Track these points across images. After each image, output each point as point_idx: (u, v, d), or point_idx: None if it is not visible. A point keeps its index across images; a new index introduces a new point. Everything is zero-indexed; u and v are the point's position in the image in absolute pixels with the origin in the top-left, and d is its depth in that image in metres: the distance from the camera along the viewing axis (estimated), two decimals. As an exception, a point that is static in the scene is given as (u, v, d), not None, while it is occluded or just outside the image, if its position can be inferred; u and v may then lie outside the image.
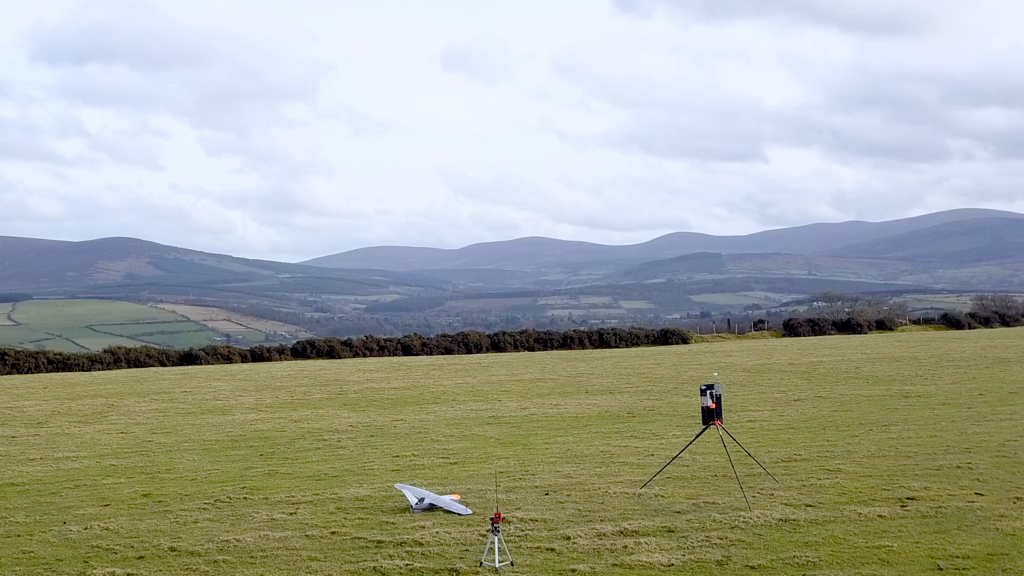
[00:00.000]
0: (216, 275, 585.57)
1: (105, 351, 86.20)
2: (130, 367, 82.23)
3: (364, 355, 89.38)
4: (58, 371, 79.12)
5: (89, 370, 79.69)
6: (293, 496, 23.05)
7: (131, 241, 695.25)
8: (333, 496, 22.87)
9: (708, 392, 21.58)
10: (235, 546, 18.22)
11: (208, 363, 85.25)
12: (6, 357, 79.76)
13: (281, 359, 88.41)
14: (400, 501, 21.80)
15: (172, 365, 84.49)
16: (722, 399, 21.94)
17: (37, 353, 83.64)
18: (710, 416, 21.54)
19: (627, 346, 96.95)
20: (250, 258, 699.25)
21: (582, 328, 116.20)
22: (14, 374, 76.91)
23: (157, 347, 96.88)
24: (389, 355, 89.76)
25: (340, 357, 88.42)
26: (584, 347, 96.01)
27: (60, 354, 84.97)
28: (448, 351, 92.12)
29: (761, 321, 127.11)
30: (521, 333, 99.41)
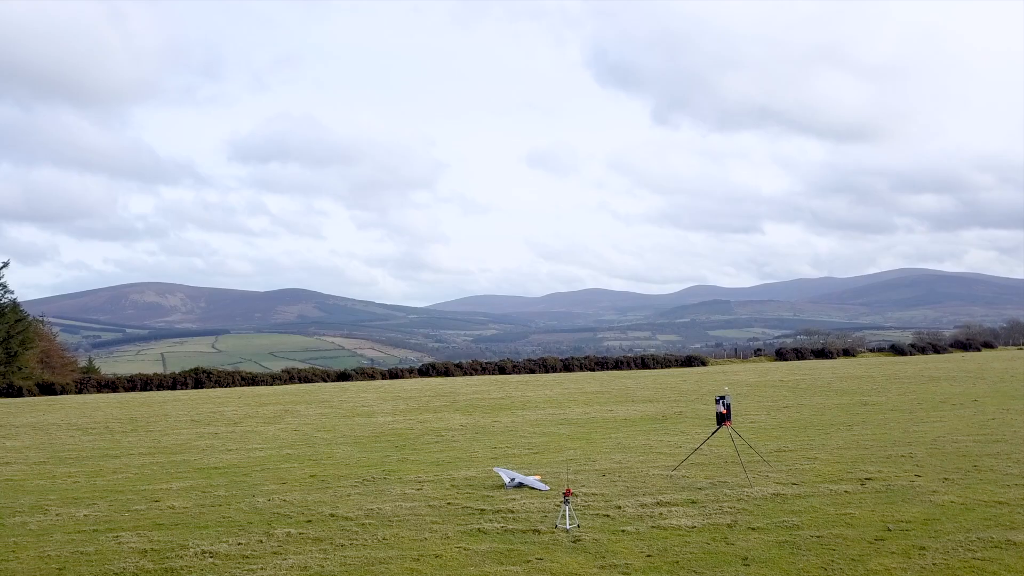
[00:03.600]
0: (364, 316, 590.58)
1: (283, 371, 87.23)
2: (301, 383, 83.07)
3: (471, 374, 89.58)
4: (248, 386, 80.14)
5: (271, 385, 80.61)
6: (419, 477, 23.18)
7: (302, 291, 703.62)
8: (448, 477, 22.98)
9: (721, 401, 21.48)
10: (377, 513, 18.39)
11: (357, 380, 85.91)
12: (210, 375, 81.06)
13: (411, 377, 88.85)
14: (497, 480, 21.87)
15: (331, 381, 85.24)
16: (731, 406, 21.86)
17: (233, 372, 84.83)
18: (722, 419, 21.45)
19: (662, 367, 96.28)
20: (388, 303, 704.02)
21: (629, 354, 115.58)
22: (216, 388, 78.09)
23: (320, 368, 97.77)
24: (489, 374, 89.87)
25: (453, 375, 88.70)
26: (631, 368, 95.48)
27: (250, 373, 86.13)
28: (532, 371, 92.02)
29: (759, 350, 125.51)
30: (585, 358, 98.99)
